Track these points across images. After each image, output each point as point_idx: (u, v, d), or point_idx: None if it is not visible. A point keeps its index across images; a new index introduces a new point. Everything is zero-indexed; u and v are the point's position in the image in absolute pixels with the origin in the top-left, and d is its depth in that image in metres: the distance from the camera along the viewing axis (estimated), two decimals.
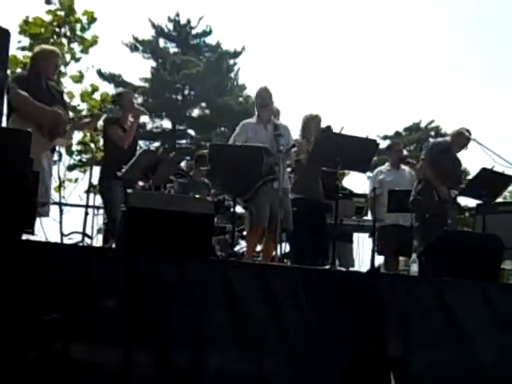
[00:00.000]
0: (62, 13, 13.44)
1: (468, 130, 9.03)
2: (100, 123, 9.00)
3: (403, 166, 10.33)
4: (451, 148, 9.11)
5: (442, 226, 8.24)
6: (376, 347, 5.67)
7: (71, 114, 8.78)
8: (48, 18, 13.39)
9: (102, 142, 10.10)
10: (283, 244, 9.64)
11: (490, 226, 8.35)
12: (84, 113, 12.38)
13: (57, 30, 13.41)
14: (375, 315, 5.79)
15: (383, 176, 10.27)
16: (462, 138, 9.03)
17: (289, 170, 8.90)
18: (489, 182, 8.42)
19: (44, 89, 7.42)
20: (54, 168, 9.60)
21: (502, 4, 49.68)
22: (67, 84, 13.34)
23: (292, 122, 8.67)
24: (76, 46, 13.56)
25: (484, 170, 8.46)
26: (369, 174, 10.04)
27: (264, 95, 8.35)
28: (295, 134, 8.67)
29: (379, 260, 9.96)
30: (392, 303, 5.91)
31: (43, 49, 7.79)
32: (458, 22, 57.10)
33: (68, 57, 13.41)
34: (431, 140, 9.61)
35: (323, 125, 8.58)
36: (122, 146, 8.23)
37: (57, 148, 7.74)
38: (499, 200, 10.17)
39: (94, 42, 13.54)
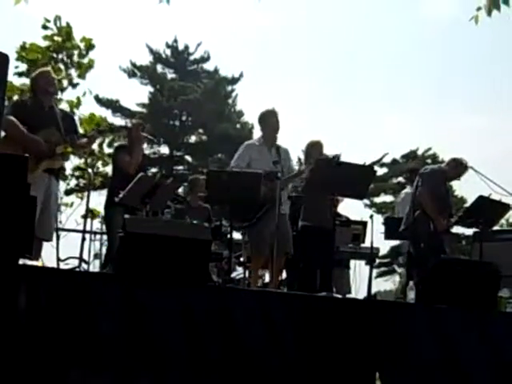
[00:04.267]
0: (59, 38, 13.45)
1: (464, 159, 9.02)
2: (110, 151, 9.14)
3: None
4: (447, 176, 9.11)
5: (438, 253, 8.23)
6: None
7: None
8: (45, 43, 13.40)
9: (110, 168, 10.19)
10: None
11: (487, 254, 8.37)
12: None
13: (54, 55, 13.43)
14: (371, 343, 5.77)
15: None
16: (460, 167, 9.03)
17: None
18: (486, 209, 8.45)
19: (42, 111, 7.58)
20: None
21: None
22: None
23: (289, 149, 8.67)
24: (73, 72, 13.58)
25: (481, 197, 8.48)
26: (365, 201, 10.06)
27: (275, 118, 8.36)
28: (295, 159, 8.69)
29: (377, 287, 9.99)
30: (388, 331, 5.89)
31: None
32: (455, 50, 57.41)
33: (65, 82, 13.42)
34: (429, 167, 9.50)
35: (326, 151, 8.62)
36: (128, 172, 8.28)
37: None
38: (496, 228, 10.20)
39: (90, 66, 13.56)
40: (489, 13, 7.09)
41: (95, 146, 13.21)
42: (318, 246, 8.13)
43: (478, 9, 7.07)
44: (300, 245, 8.38)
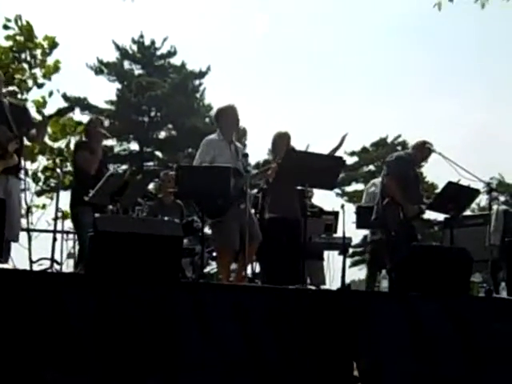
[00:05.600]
0: (21, 38, 13.32)
1: (429, 142, 9.03)
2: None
3: None
4: (414, 161, 9.13)
5: (410, 240, 8.26)
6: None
7: None
8: (7, 43, 13.27)
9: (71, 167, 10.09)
10: (254, 264, 9.66)
11: (458, 240, 8.42)
12: (46, 138, 12.25)
13: (16, 55, 13.30)
14: (347, 333, 5.79)
15: (374, 188, 10.34)
16: (424, 150, 9.04)
17: (255, 191, 8.92)
18: (455, 195, 8.48)
19: None
20: (21, 195, 9.54)
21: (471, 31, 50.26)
22: (30, 110, 13.25)
23: (258, 141, 8.68)
24: (38, 71, 13.46)
25: (450, 183, 8.52)
26: (337, 190, 10.11)
27: (235, 114, 8.31)
28: (264, 152, 8.70)
29: (352, 277, 10.05)
30: (362, 320, 5.91)
31: None
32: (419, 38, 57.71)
33: (30, 82, 13.31)
34: (394, 154, 9.49)
35: (294, 142, 8.62)
36: (89, 171, 8.21)
37: (22, 176, 7.67)
38: (467, 213, 10.26)
39: (56, 68, 13.44)
40: None
41: (63, 146, 13.15)
42: (286, 237, 8.14)
43: None
44: (268, 237, 8.37)
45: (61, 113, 9.15)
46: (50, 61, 13.46)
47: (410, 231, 8.69)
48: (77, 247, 9.94)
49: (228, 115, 8.30)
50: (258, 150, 43.51)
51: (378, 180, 10.55)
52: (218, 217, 7.75)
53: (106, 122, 35.37)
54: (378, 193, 9.12)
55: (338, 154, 8.75)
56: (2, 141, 7.17)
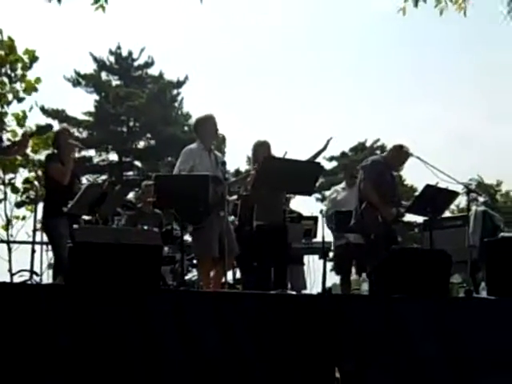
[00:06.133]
0: (1, 52, 13.32)
1: (405, 146, 9.06)
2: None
3: None
4: (390, 164, 9.16)
5: (389, 244, 8.29)
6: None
7: None
8: None
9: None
10: (235, 269, 9.68)
11: (437, 242, 8.46)
12: (29, 150, 12.27)
13: None
14: (328, 337, 5.80)
15: (335, 194, 10.38)
16: (401, 154, 9.07)
17: (234, 197, 8.94)
18: (434, 198, 8.52)
19: None
20: (1, 206, 9.50)
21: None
22: (10, 123, 13.24)
23: (236, 149, 8.72)
24: (18, 86, 13.46)
25: (428, 186, 8.55)
26: (316, 195, 10.13)
27: (214, 123, 8.35)
28: (242, 159, 8.73)
29: (332, 280, 10.05)
30: (344, 323, 5.92)
31: None
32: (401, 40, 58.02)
33: (10, 96, 13.31)
34: (369, 158, 9.48)
35: (272, 150, 8.65)
36: (62, 182, 8.20)
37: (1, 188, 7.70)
38: (446, 215, 10.31)
39: (36, 86, 13.43)
40: (415, 4, 7.25)
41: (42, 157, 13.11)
42: (272, 244, 8.15)
43: (405, 0, 7.23)
44: (255, 244, 8.39)
45: (39, 132, 9.14)
46: (31, 75, 13.47)
47: (389, 234, 8.71)
48: None
49: (207, 124, 8.36)
50: (235, 157, 43.59)
51: (339, 186, 10.62)
52: (199, 223, 7.76)
53: (84, 133, 35.49)
54: (355, 197, 9.13)
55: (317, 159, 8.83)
56: None
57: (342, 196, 10.32)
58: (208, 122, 8.38)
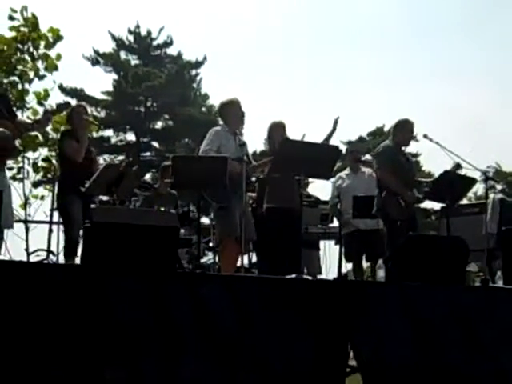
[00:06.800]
0: (25, 29, 13.27)
1: (407, 119, 9.01)
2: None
3: (363, 169, 10.32)
4: (399, 144, 9.04)
5: (412, 229, 8.23)
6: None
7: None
8: (11, 34, 13.22)
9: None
10: (251, 254, 9.66)
11: (454, 229, 8.39)
12: (49, 128, 12.27)
13: (20, 46, 13.24)
14: (343, 323, 5.79)
15: (340, 182, 10.31)
16: (407, 128, 9.02)
17: (254, 178, 8.91)
18: (451, 184, 8.45)
19: None
20: (19, 185, 9.50)
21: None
22: (31, 101, 13.22)
23: (255, 130, 8.68)
24: (40, 64, 13.41)
25: (446, 172, 8.50)
26: (332, 180, 10.07)
27: (239, 107, 8.37)
28: (260, 141, 8.71)
29: (347, 266, 10.00)
30: (360, 309, 5.91)
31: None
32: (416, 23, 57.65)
33: (31, 74, 13.28)
34: (380, 145, 9.32)
35: (288, 131, 8.63)
36: (76, 160, 8.19)
37: (26, 166, 7.65)
38: (463, 202, 10.25)
39: (57, 60, 13.37)
40: None
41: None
42: (284, 227, 8.12)
43: None
44: (266, 227, 8.36)
45: (58, 110, 9.11)
46: (53, 54, 13.41)
47: (412, 219, 8.65)
48: None
49: (232, 108, 8.38)
50: (254, 139, 43.52)
51: (344, 173, 10.53)
52: (224, 202, 7.74)
53: (102, 113, 35.54)
54: (362, 183, 9.05)
55: (333, 141, 8.75)
56: (9, 137, 7.05)
57: (347, 183, 10.23)
58: (233, 106, 8.39)
